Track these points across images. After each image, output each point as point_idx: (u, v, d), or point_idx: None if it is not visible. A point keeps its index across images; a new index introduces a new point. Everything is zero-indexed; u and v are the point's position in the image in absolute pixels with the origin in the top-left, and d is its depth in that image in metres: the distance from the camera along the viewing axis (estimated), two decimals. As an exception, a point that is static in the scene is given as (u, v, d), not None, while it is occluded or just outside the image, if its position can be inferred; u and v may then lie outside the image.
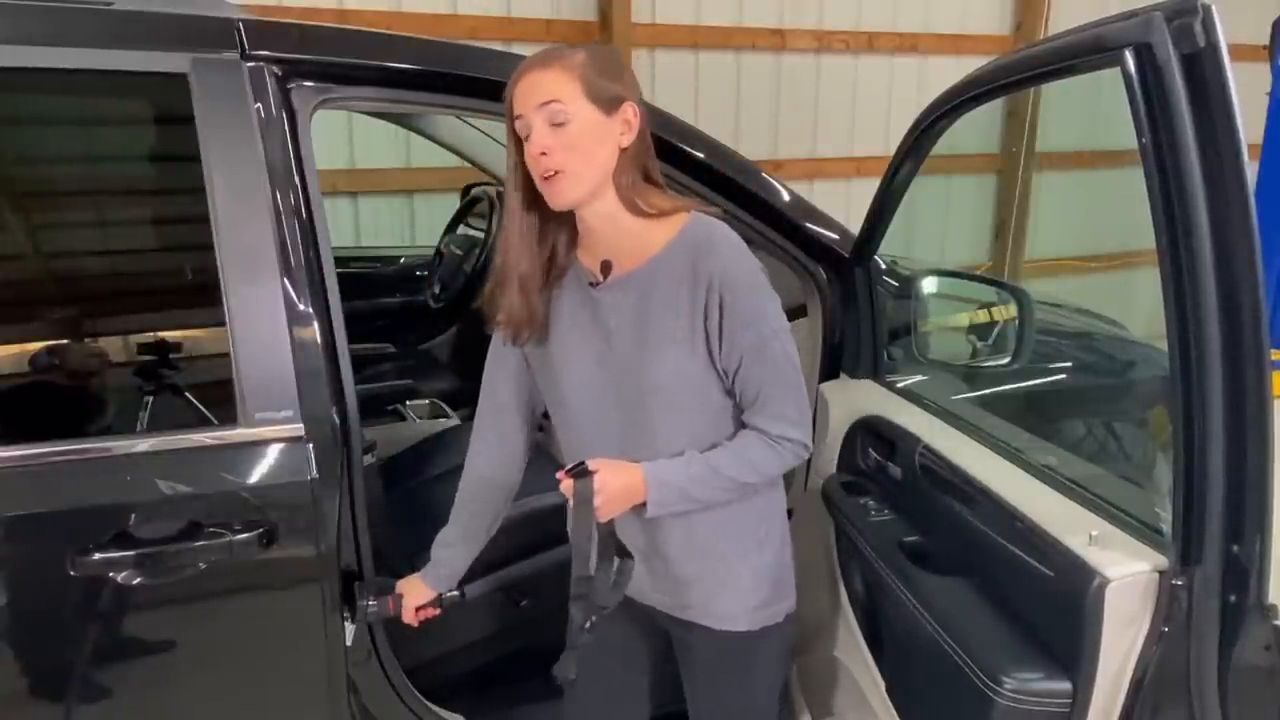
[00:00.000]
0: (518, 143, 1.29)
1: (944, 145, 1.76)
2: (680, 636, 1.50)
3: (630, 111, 1.29)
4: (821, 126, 5.45)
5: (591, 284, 1.37)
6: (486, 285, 1.44)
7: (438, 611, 1.64)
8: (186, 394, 1.52)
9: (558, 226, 1.37)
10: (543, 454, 2.37)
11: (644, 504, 1.33)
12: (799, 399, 1.36)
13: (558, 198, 1.28)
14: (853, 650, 1.74)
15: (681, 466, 1.33)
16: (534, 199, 1.32)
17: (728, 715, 1.53)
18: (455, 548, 1.59)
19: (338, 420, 1.48)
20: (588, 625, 1.31)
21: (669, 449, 1.35)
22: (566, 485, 1.30)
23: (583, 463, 1.30)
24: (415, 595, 1.59)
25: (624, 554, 1.37)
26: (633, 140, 1.29)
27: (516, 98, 1.27)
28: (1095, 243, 5.87)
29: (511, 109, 1.28)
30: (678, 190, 1.55)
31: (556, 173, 1.26)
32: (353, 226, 4.40)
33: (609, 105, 1.27)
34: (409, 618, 1.59)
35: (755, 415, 1.35)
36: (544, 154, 1.25)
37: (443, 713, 1.79)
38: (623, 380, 1.35)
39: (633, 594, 1.48)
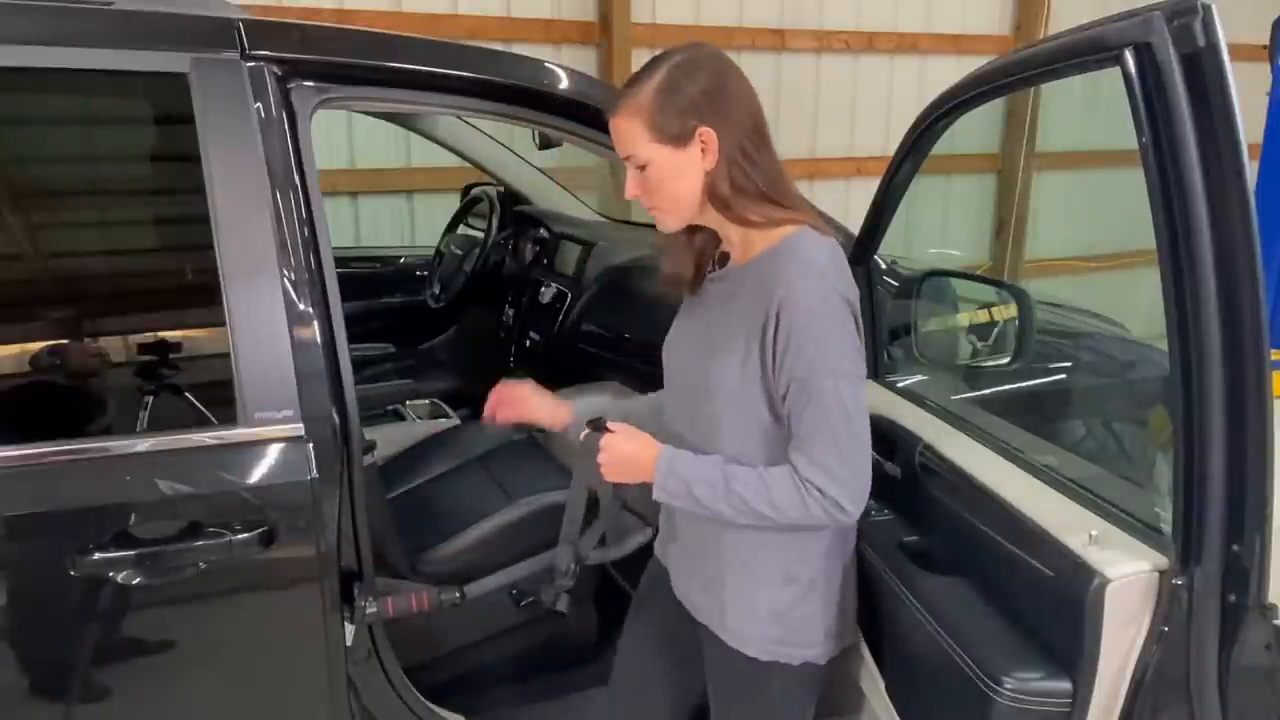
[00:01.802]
0: None
1: (944, 145, 1.76)
2: (707, 646, 1.50)
3: (704, 136, 1.26)
4: (821, 126, 5.45)
5: (710, 272, 1.43)
6: None
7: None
8: (186, 394, 1.52)
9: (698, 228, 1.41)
10: (543, 454, 2.38)
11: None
12: (844, 453, 1.25)
13: (663, 227, 1.37)
14: (853, 650, 1.74)
15: (697, 464, 1.32)
16: None
17: None
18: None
19: (338, 420, 1.48)
20: (568, 570, 1.44)
21: (720, 453, 1.35)
22: (582, 435, 1.37)
23: (603, 421, 1.37)
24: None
25: (635, 523, 1.42)
26: (716, 160, 1.27)
27: (614, 143, 1.34)
28: (1095, 243, 5.87)
29: None
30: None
31: (653, 209, 1.33)
32: (353, 226, 4.40)
33: (679, 140, 1.26)
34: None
35: (794, 452, 1.27)
36: (636, 196, 1.33)
37: (443, 713, 1.79)
38: (694, 371, 1.39)
39: (675, 588, 1.52)
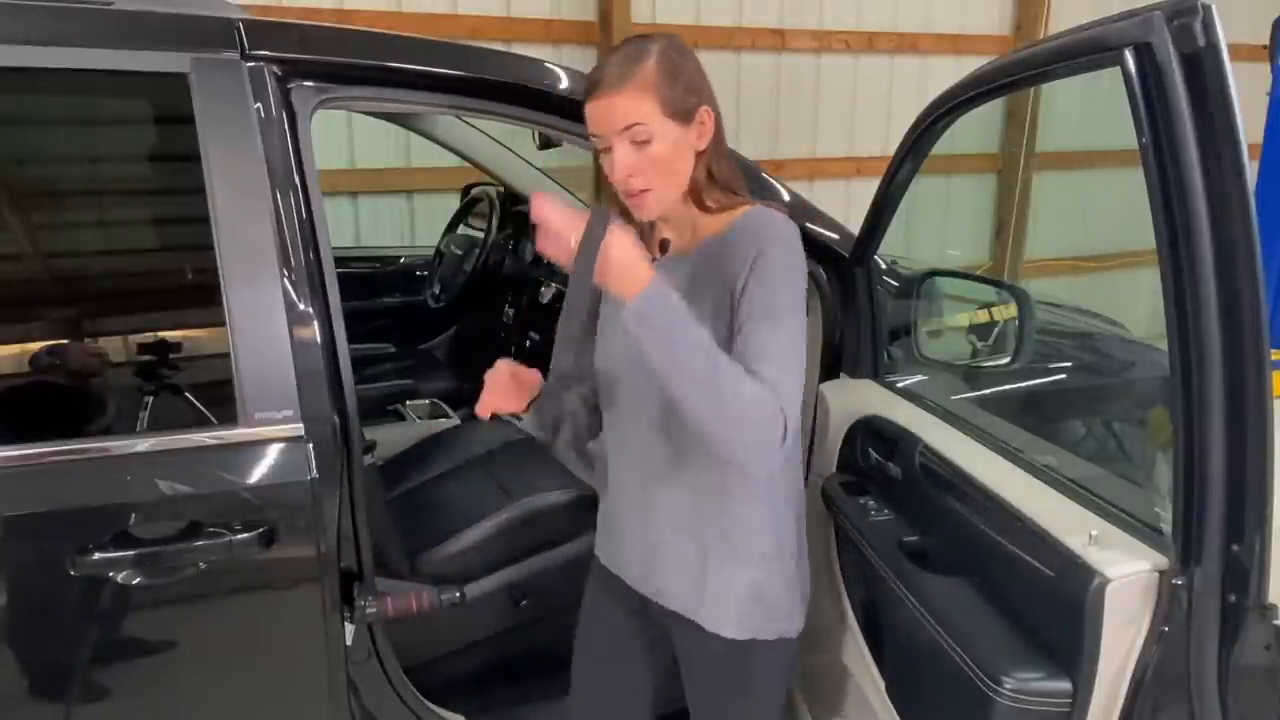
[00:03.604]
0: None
1: (944, 145, 1.76)
2: (679, 636, 1.49)
3: (704, 115, 1.29)
4: (821, 126, 5.45)
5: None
6: None
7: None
8: (186, 394, 1.52)
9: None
10: (543, 454, 2.38)
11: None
12: (787, 372, 1.21)
13: (645, 212, 1.31)
14: (853, 650, 1.74)
15: (681, 303, 1.19)
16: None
17: None
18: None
19: (338, 420, 1.48)
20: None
21: (677, 423, 1.32)
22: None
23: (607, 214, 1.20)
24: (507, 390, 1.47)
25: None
26: (708, 143, 1.31)
27: (594, 120, 1.27)
28: (1095, 243, 5.87)
29: (589, 129, 1.28)
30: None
31: (644, 190, 1.28)
32: (353, 226, 4.40)
33: (685, 117, 1.27)
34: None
35: (744, 358, 1.22)
36: (631, 175, 1.26)
37: (443, 713, 1.79)
38: None
39: (633, 583, 1.49)
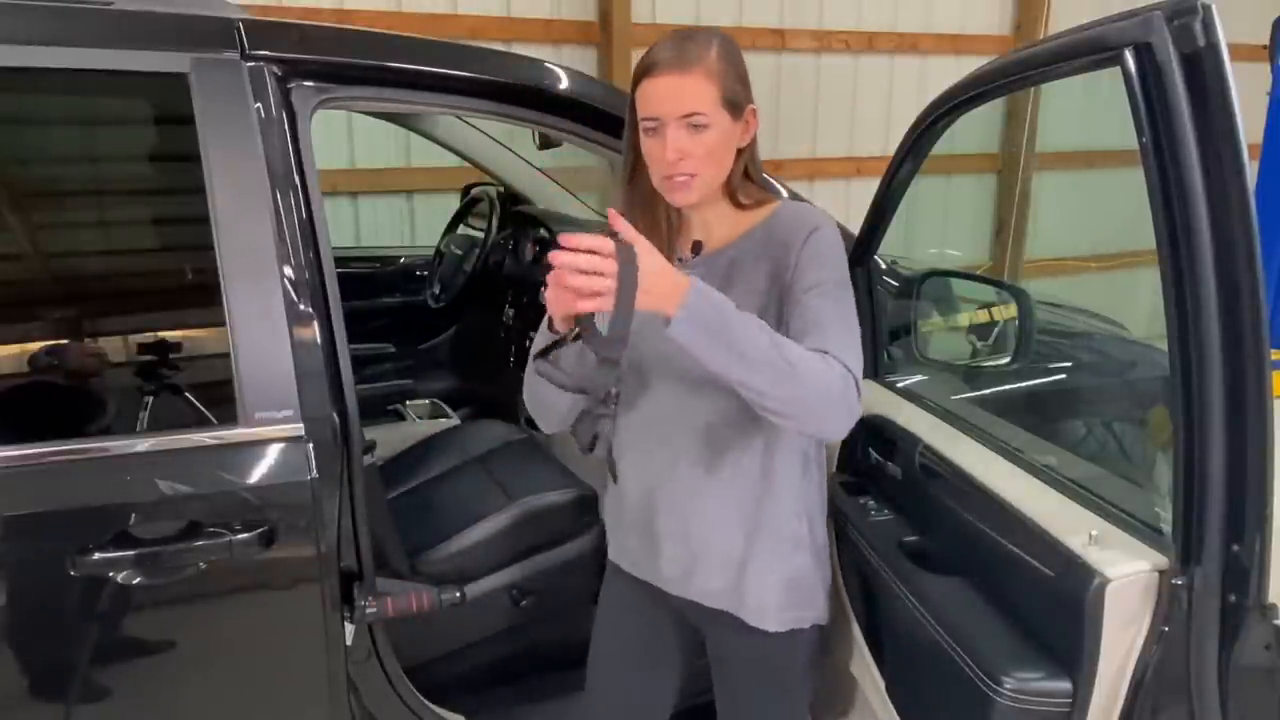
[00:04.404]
0: (636, 129, 1.31)
1: (944, 145, 1.76)
2: (715, 635, 1.50)
3: (750, 114, 1.31)
4: (821, 126, 5.45)
5: (680, 260, 1.39)
6: None
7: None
8: (186, 394, 1.52)
9: (666, 209, 1.39)
10: (543, 454, 2.38)
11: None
12: (848, 339, 1.24)
13: (684, 198, 1.31)
14: (853, 650, 1.74)
15: (726, 298, 1.16)
16: (646, 186, 1.34)
17: None
18: None
19: (338, 420, 1.48)
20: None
21: (714, 425, 1.35)
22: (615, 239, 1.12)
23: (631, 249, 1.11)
24: None
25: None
26: (749, 140, 1.33)
27: (652, 100, 1.26)
28: (1095, 243, 5.87)
29: (641, 108, 1.28)
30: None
31: (690, 175, 1.27)
32: (353, 226, 4.40)
33: (737, 111, 1.29)
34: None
35: (806, 337, 1.22)
36: (681, 159, 1.26)
37: (443, 713, 1.79)
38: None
39: (667, 586, 1.47)
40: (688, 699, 1.64)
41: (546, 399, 1.38)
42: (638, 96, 1.29)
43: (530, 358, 1.29)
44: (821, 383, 1.17)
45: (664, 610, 1.52)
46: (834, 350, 1.21)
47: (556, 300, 1.14)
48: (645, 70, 1.27)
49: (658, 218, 1.38)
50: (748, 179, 1.37)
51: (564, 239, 1.08)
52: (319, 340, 1.46)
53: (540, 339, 1.29)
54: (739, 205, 1.37)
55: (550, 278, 1.11)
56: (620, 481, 1.47)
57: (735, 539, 1.40)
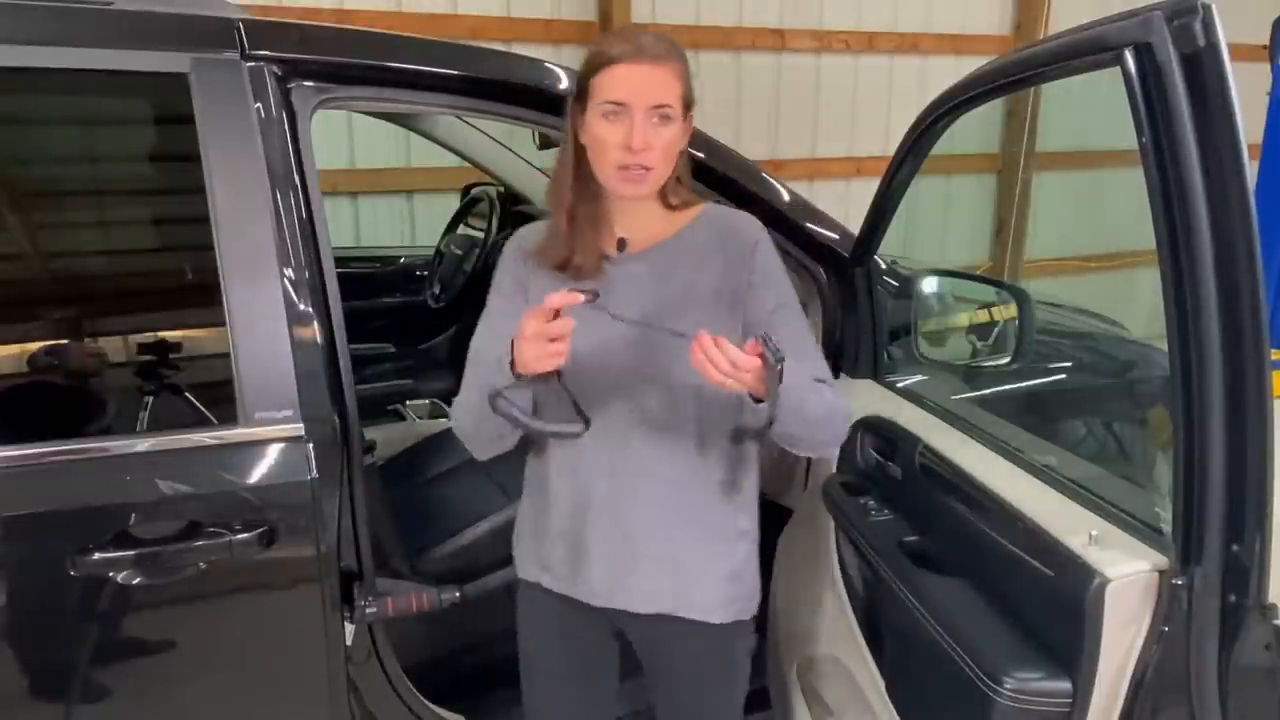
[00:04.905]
0: (578, 115, 1.32)
1: (944, 145, 1.76)
2: (654, 639, 1.48)
3: (690, 116, 1.35)
4: (821, 126, 5.45)
5: (607, 257, 1.39)
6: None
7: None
8: (186, 394, 1.52)
9: (596, 207, 1.38)
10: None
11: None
12: (821, 355, 1.41)
13: (635, 190, 1.31)
14: (853, 650, 1.74)
15: (799, 373, 1.24)
16: (590, 177, 1.34)
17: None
18: None
19: (338, 420, 1.48)
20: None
21: (649, 426, 1.35)
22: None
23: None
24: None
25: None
26: (684, 144, 1.37)
27: (624, 85, 1.25)
28: (1095, 243, 5.87)
29: (604, 92, 1.26)
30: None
31: (646, 169, 1.28)
32: (353, 226, 4.40)
33: (687, 111, 1.33)
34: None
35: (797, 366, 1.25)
36: (646, 149, 1.26)
37: (443, 713, 1.79)
38: (653, 351, 1.32)
39: (593, 598, 1.43)
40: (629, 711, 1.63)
41: (493, 431, 1.34)
42: (604, 81, 1.26)
43: (488, 397, 1.24)
44: (841, 415, 1.35)
45: (589, 624, 1.48)
46: (821, 373, 1.34)
47: (539, 360, 1.17)
48: (618, 56, 1.26)
49: (598, 211, 1.37)
50: (679, 181, 1.41)
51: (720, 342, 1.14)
52: (319, 340, 1.46)
53: (500, 378, 1.24)
54: (668, 205, 1.39)
55: (530, 335, 1.16)
56: (552, 489, 1.43)
57: (675, 537, 1.39)
